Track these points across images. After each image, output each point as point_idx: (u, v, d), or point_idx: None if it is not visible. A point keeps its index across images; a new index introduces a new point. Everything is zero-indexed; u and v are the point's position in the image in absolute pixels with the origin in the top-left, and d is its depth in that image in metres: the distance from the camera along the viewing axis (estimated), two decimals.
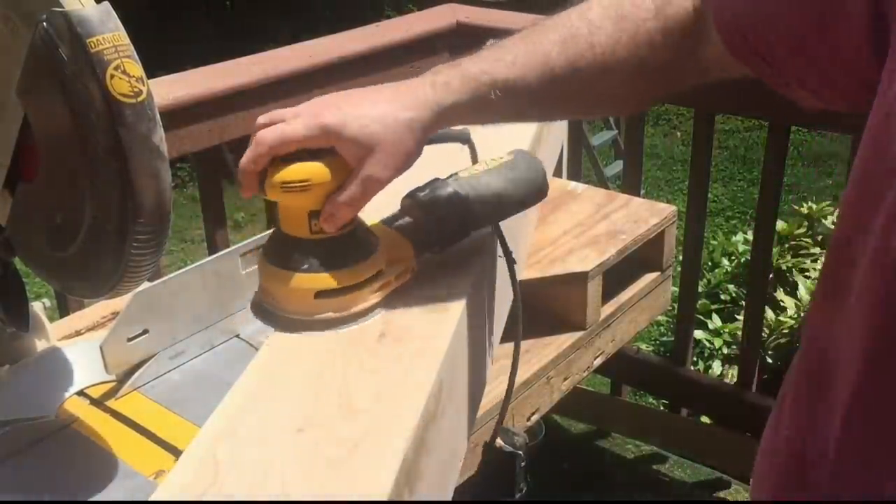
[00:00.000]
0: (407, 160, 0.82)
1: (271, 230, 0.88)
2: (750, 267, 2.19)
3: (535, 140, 1.26)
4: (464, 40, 1.96)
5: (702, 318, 3.01)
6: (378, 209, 0.88)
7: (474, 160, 0.98)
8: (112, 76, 0.75)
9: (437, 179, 0.88)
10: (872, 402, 0.59)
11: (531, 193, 0.93)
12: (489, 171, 0.91)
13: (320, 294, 0.81)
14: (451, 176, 0.90)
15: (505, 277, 1.02)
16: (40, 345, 1.15)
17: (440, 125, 0.83)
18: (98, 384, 1.12)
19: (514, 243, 1.09)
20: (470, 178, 0.89)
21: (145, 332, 1.09)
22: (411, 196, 0.88)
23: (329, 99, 0.84)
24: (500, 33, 0.86)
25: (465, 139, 0.96)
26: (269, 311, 0.84)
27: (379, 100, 0.82)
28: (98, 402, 1.10)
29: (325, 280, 0.81)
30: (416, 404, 0.71)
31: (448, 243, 0.90)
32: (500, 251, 0.97)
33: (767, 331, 2.70)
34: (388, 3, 6.73)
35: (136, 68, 0.76)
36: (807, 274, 2.98)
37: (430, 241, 0.88)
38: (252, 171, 0.81)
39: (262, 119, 0.83)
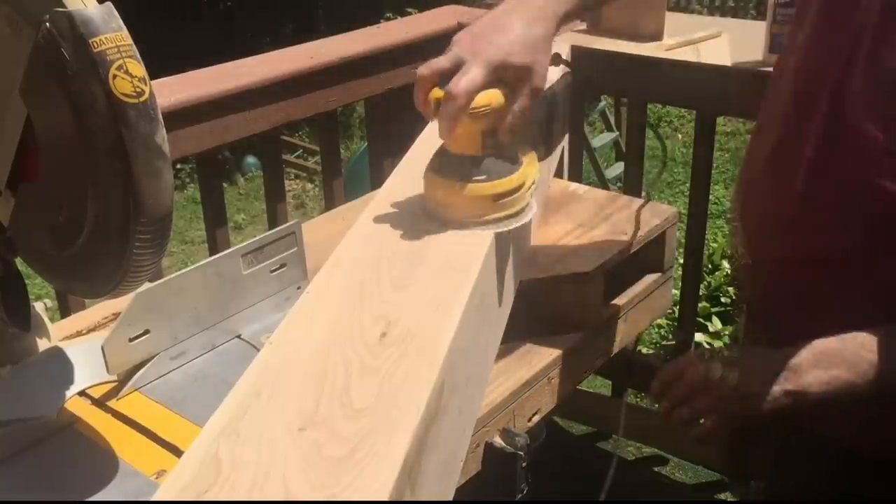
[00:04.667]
0: (548, 69, 0.99)
1: (438, 149, 0.98)
2: None
3: None
4: None
5: (702, 320, 3.01)
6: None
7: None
8: (115, 76, 0.75)
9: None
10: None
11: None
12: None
13: (497, 197, 0.95)
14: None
15: (506, 277, 1.03)
16: (42, 345, 1.15)
17: (557, 32, 1.01)
18: (99, 384, 1.12)
19: (516, 243, 1.09)
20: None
21: (147, 332, 1.10)
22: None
23: (475, 34, 0.96)
24: None
25: (558, 61, 1.14)
26: (443, 220, 0.97)
27: (513, 23, 0.96)
28: (99, 403, 1.10)
29: (502, 185, 0.95)
30: (418, 404, 0.71)
31: (556, 143, 1.18)
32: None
33: None
34: (389, 6, 6.73)
35: (138, 68, 0.77)
36: None
37: (544, 147, 1.10)
38: (454, 119, 0.91)
39: (423, 70, 0.94)
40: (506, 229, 0.97)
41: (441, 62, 0.94)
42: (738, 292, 1.24)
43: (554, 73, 1.14)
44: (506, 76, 0.94)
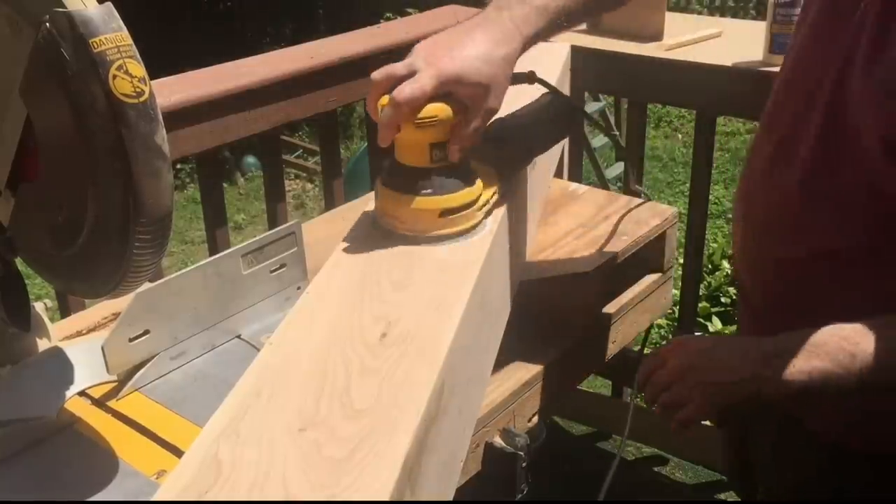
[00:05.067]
0: (506, 90, 0.97)
1: (389, 161, 0.98)
2: None
3: None
4: None
5: (702, 320, 3.01)
6: None
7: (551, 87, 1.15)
8: (115, 76, 0.75)
9: (496, 119, 1.02)
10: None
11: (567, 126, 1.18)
12: (530, 109, 1.10)
13: (444, 213, 0.94)
14: (505, 116, 1.05)
15: (505, 278, 1.03)
16: (42, 345, 1.15)
17: (522, 53, 0.98)
18: (99, 384, 1.12)
19: (517, 243, 1.09)
20: (518, 115, 1.08)
21: (147, 332, 1.10)
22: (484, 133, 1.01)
23: (435, 44, 0.95)
24: None
25: (533, 79, 1.10)
26: (388, 231, 0.96)
27: (476, 39, 0.94)
28: (99, 403, 1.10)
29: (448, 200, 0.94)
30: (418, 404, 0.71)
31: (520, 165, 1.10)
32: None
33: None
34: (389, 6, 6.73)
35: (138, 68, 0.77)
36: None
37: (507, 167, 1.06)
38: (393, 127, 0.91)
39: (377, 75, 0.93)
40: (453, 245, 0.94)
41: (397, 68, 0.93)
42: (738, 291, 1.24)
43: (529, 93, 1.10)
44: (458, 91, 0.92)
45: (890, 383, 0.95)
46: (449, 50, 0.93)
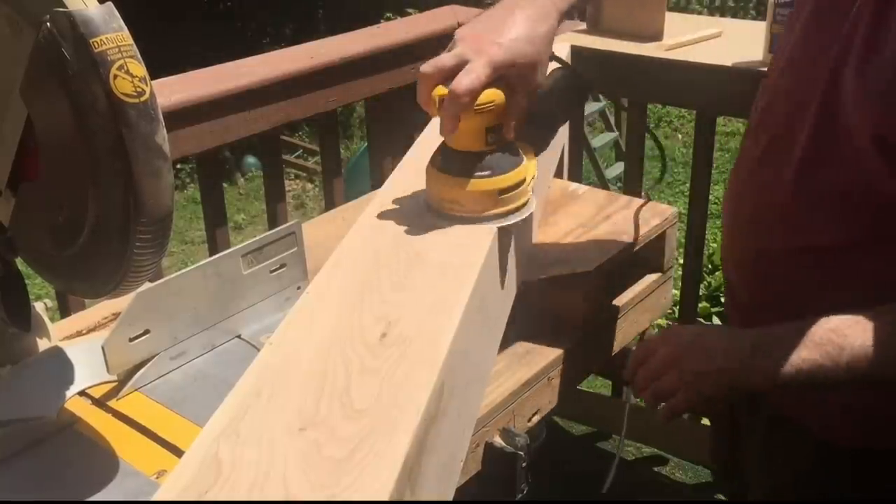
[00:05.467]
0: (548, 65, 1.01)
1: (441, 147, 0.98)
2: None
3: None
4: None
5: (702, 320, 3.01)
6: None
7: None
8: (115, 76, 0.75)
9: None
10: None
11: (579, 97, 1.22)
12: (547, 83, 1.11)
13: (502, 192, 0.96)
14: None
15: (507, 278, 1.03)
16: (42, 345, 1.15)
17: (558, 28, 1.00)
18: (99, 384, 1.12)
19: (518, 240, 1.09)
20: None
21: (147, 332, 1.10)
22: None
23: (478, 30, 0.97)
24: None
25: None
26: (447, 216, 0.97)
27: (517, 20, 0.96)
28: (99, 402, 1.10)
29: (506, 180, 0.96)
30: (418, 405, 0.71)
31: (549, 137, 1.18)
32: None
33: None
34: (389, 6, 6.73)
35: (139, 68, 0.77)
36: None
37: (539, 140, 1.11)
38: (455, 117, 0.92)
39: (426, 68, 0.93)
40: (509, 223, 0.98)
41: (445, 60, 0.93)
42: (725, 288, 1.25)
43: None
44: (509, 74, 0.94)
45: (876, 376, 0.95)
46: (495, 35, 0.95)
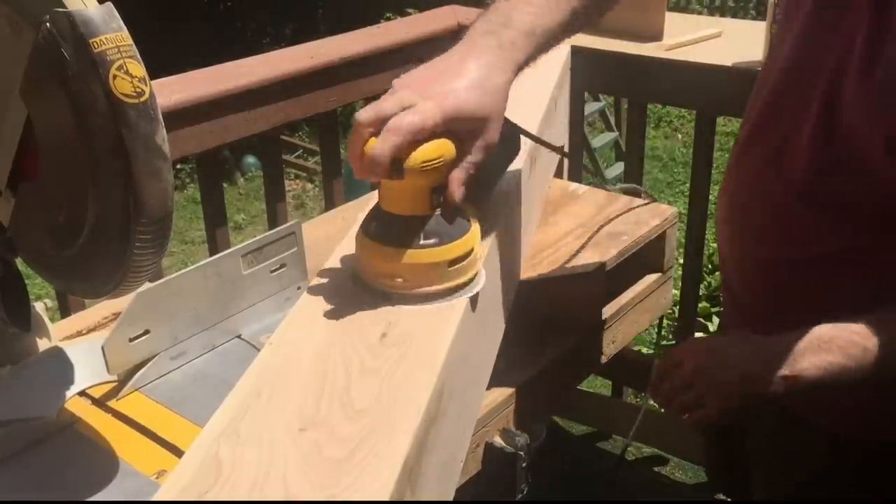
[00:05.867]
0: (502, 122, 0.87)
1: (375, 211, 0.85)
2: None
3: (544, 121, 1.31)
4: None
5: (702, 320, 3.00)
6: None
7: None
8: (115, 76, 0.75)
9: None
10: None
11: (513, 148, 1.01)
12: None
13: (453, 262, 0.83)
14: None
15: (506, 278, 1.02)
16: (42, 345, 1.15)
17: (514, 79, 0.88)
18: (99, 384, 1.12)
19: (520, 243, 1.09)
20: None
21: (147, 332, 1.10)
22: None
23: (424, 77, 0.84)
24: None
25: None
26: (388, 293, 0.84)
27: (470, 69, 0.84)
28: (99, 403, 1.10)
29: (456, 248, 0.83)
30: (418, 405, 0.71)
31: (487, 196, 0.98)
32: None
33: None
34: (389, 6, 6.73)
35: (138, 68, 0.76)
36: None
37: (477, 199, 0.91)
38: (387, 159, 0.77)
39: (363, 115, 0.79)
40: (461, 298, 0.85)
41: (385, 108, 0.79)
42: (725, 291, 1.25)
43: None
44: (457, 127, 0.82)
45: None
46: (444, 82, 0.83)
